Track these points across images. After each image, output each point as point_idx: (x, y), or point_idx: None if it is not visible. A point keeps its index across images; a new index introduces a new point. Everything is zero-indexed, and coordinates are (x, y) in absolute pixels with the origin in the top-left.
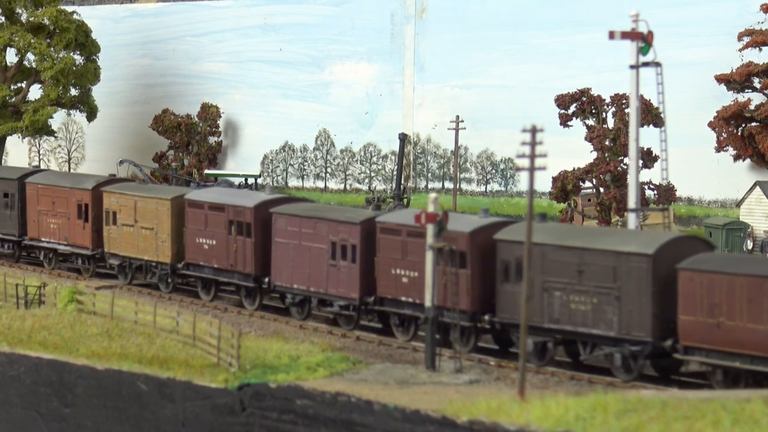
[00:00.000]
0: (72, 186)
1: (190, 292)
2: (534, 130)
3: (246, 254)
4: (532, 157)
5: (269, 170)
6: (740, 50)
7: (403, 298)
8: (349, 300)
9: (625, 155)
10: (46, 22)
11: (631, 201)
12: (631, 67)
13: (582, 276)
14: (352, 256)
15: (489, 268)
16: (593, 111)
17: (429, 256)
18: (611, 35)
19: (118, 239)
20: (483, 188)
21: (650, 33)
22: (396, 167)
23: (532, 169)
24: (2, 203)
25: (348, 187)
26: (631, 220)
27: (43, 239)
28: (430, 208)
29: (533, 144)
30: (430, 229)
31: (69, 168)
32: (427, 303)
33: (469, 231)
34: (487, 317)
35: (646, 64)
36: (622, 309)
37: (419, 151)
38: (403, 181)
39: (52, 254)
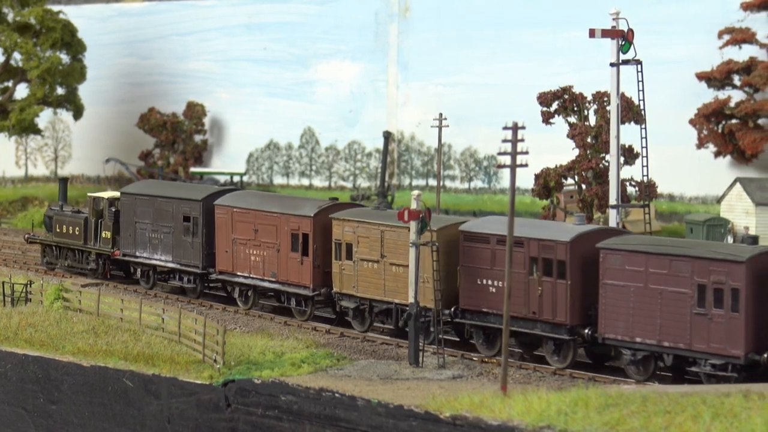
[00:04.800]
0: (283, 211)
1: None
2: (516, 128)
3: (557, 300)
4: (514, 154)
5: (254, 168)
6: (720, 48)
7: None
8: (727, 358)
9: (607, 152)
10: (33, 21)
11: (612, 197)
12: (612, 64)
13: None
14: (732, 302)
15: None
16: (575, 108)
17: (412, 253)
18: (592, 33)
19: (354, 277)
20: (466, 185)
21: (630, 31)
22: (380, 165)
23: (514, 166)
24: (181, 228)
25: (333, 184)
26: (612, 216)
27: (239, 273)
28: (413, 206)
29: (515, 141)
30: (413, 226)
31: (56, 166)
32: (410, 299)
33: None
34: None
35: (626, 62)
36: None
37: (403, 148)
38: (387, 179)
39: (251, 291)
